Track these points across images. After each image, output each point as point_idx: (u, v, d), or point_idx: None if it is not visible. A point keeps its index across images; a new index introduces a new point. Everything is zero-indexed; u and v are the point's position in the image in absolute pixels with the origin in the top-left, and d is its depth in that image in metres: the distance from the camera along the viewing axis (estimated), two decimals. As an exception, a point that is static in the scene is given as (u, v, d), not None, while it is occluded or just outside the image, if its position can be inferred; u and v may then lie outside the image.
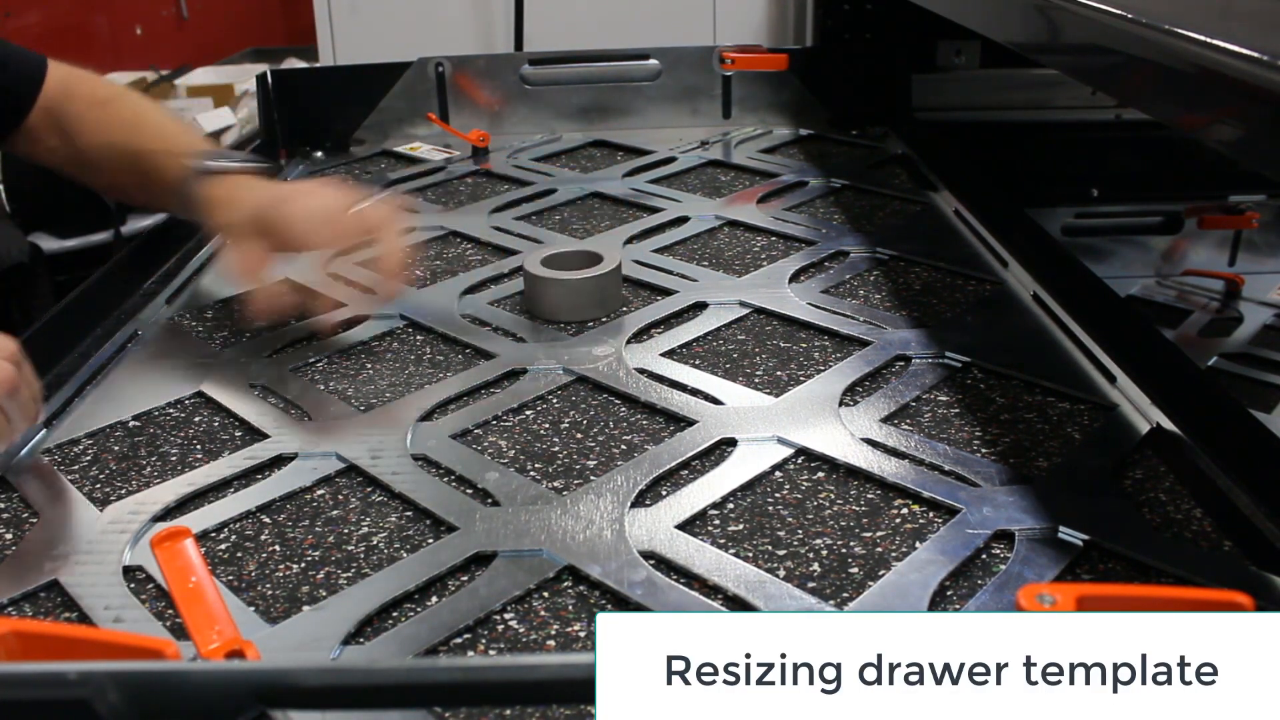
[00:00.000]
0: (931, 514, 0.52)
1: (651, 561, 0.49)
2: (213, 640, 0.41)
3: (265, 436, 0.61)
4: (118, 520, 0.53)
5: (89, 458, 0.60)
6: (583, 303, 0.75)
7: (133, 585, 0.49)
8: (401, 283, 0.77)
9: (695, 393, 0.64)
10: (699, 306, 0.77)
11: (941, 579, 0.47)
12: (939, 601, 0.46)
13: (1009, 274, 0.80)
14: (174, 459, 0.59)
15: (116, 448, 0.61)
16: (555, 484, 0.56)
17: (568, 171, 1.10)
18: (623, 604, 0.47)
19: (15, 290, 1.18)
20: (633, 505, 0.53)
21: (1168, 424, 0.58)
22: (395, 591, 0.48)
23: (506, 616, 0.46)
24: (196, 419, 0.64)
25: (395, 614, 0.47)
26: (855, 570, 0.48)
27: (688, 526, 0.52)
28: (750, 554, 0.50)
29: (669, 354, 0.69)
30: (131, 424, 0.64)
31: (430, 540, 0.51)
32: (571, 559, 0.49)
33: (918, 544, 0.50)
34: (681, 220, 0.94)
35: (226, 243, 0.79)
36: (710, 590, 0.47)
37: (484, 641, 0.45)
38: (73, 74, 0.87)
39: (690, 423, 0.60)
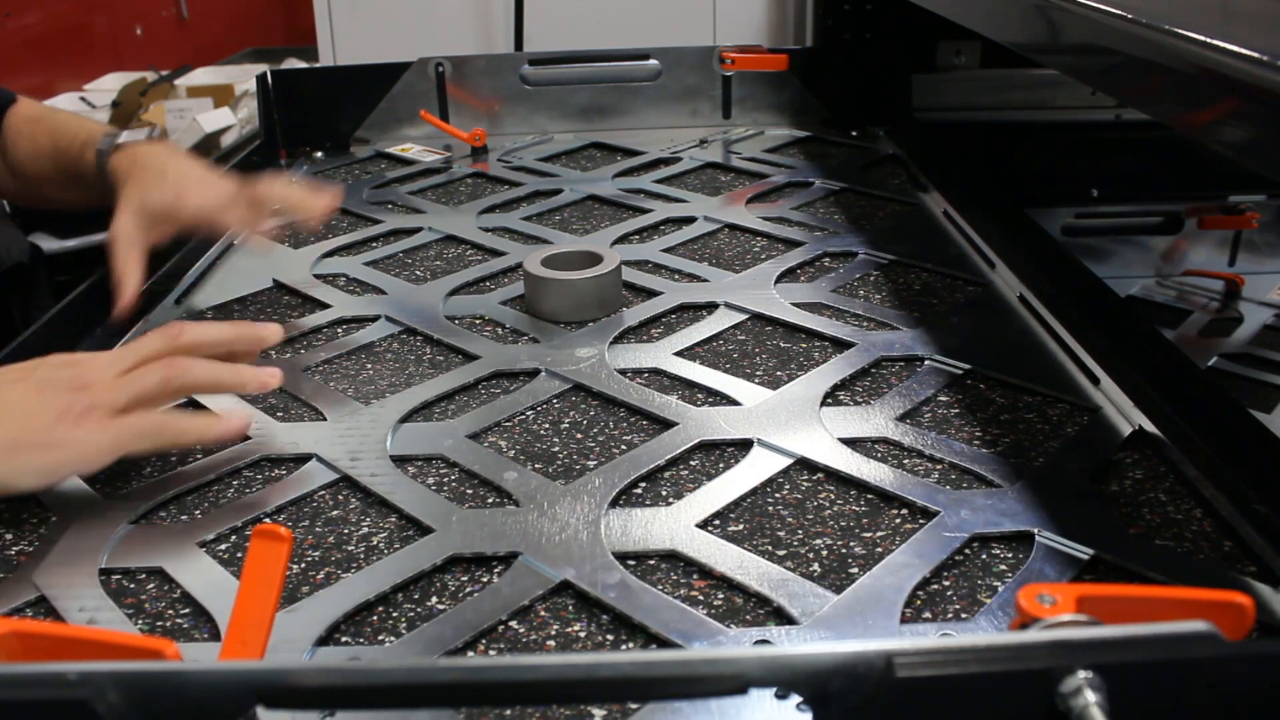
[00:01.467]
0: (922, 518, 0.52)
1: (680, 563, 0.49)
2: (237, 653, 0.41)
3: (249, 438, 0.61)
4: (95, 523, 0.53)
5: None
6: (583, 303, 0.75)
7: (113, 587, 0.49)
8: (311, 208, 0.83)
9: (712, 393, 0.65)
10: (694, 307, 0.77)
11: (916, 582, 0.47)
12: (912, 605, 0.46)
13: (996, 275, 0.81)
14: (174, 458, 0.60)
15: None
16: (559, 481, 0.56)
17: (567, 171, 1.10)
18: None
19: (15, 290, 1.18)
20: (656, 505, 0.54)
21: (1150, 426, 0.58)
22: (370, 593, 0.48)
23: (503, 618, 0.46)
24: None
25: (371, 615, 0.47)
26: (855, 570, 0.48)
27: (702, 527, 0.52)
28: (752, 553, 0.50)
29: (664, 354, 0.69)
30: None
31: (405, 544, 0.51)
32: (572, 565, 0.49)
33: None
34: (682, 220, 0.95)
35: (115, 220, 0.79)
36: (715, 586, 0.48)
37: (483, 642, 0.45)
38: (24, 103, 0.93)
39: (671, 425, 0.60)
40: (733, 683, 0.27)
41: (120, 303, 0.75)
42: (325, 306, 0.79)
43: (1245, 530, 0.50)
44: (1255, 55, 0.41)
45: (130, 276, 0.76)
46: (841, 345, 0.70)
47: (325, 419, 0.63)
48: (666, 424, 0.61)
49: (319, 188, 0.89)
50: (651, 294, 0.78)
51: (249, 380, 0.59)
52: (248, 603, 0.38)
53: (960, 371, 0.66)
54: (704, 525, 0.52)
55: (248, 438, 0.60)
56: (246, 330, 0.62)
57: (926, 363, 0.67)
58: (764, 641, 0.44)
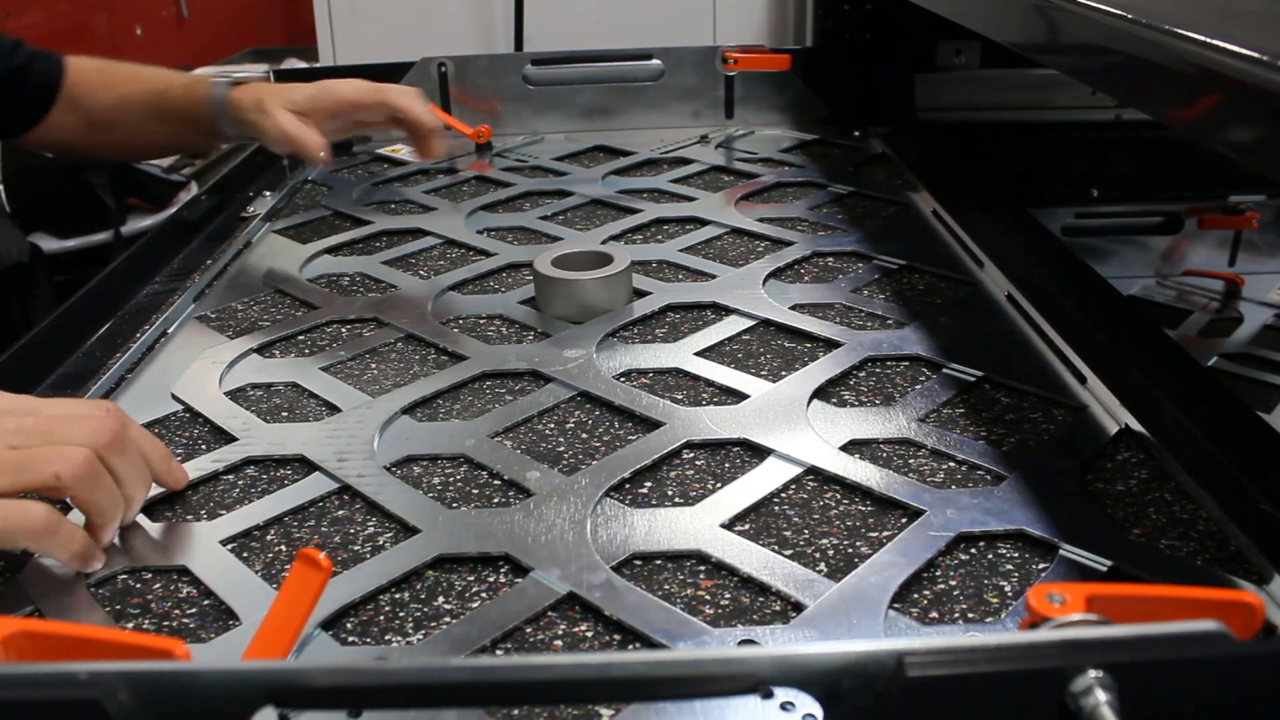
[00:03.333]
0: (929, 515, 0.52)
1: (703, 565, 0.49)
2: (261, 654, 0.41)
3: (233, 439, 0.61)
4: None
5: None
6: (593, 303, 0.75)
7: (118, 587, 0.49)
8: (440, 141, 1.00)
9: (728, 391, 0.65)
10: (697, 307, 0.77)
11: (901, 581, 0.47)
12: (897, 604, 0.46)
13: (984, 274, 0.81)
14: (180, 457, 0.60)
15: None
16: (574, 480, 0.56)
17: (570, 171, 1.10)
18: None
19: (15, 290, 1.18)
20: (675, 505, 0.54)
21: (1135, 425, 0.58)
22: (369, 589, 0.48)
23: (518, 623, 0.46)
24: (205, 419, 0.64)
25: (357, 615, 0.47)
26: (837, 570, 0.48)
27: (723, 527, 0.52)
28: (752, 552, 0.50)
29: (683, 354, 0.70)
30: (148, 423, 0.64)
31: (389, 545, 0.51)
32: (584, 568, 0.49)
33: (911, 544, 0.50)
34: (685, 221, 0.95)
35: (265, 119, 0.93)
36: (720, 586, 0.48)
37: (486, 642, 0.45)
38: (72, 58, 0.98)
39: (659, 424, 0.61)
40: (745, 682, 0.27)
41: (321, 155, 0.93)
42: (318, 307, 0.79)
43: (1233, 533, 0.50)
44: (1255, 55, 0.41)
45: (312, 134, 0.93)
46: (831, 344, 0.70)
47: (326, 419, 0.63)
48: (656, 424, 0.61)
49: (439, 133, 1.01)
50: (653, 294, 0.79)
51: (103, 537, 0.50)
52: (280, 612, 0.39)
53: (949, 371, 0.66)
54: (718, 525, 0.52)
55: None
56: (166, 463, 0.55)
57: (915, 362, 0.68)
58: (749, 641, 0.44)
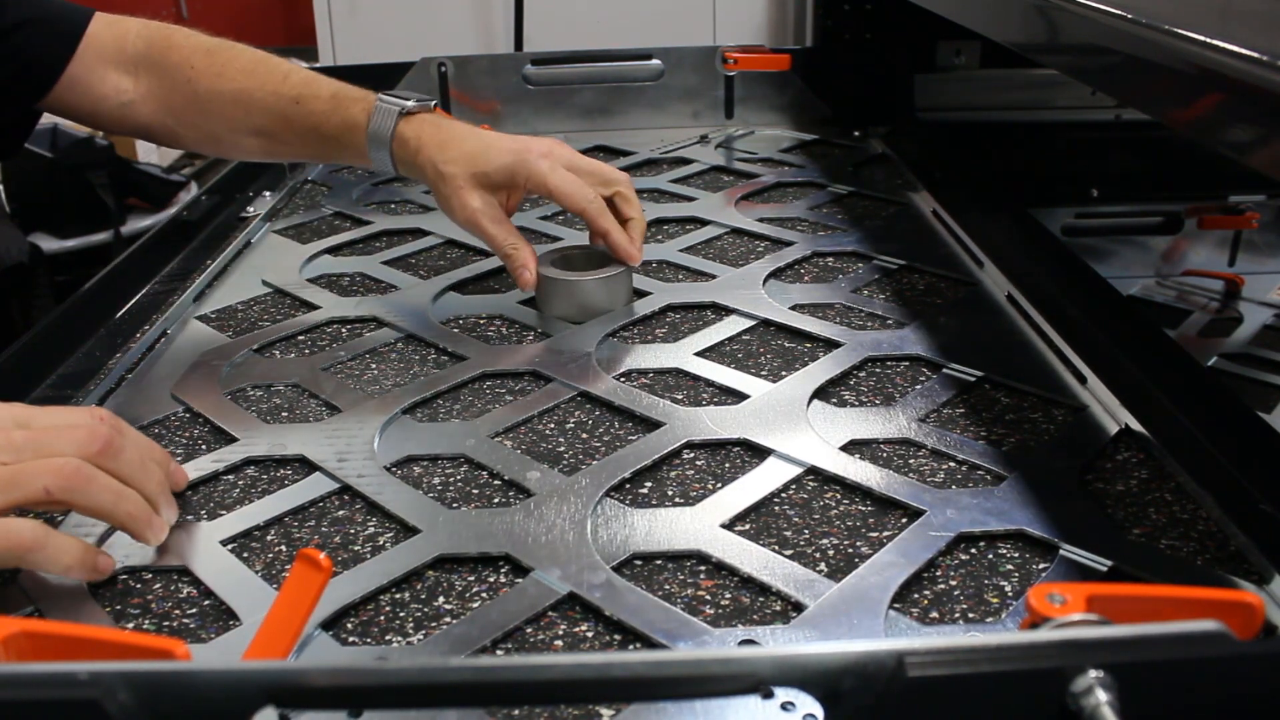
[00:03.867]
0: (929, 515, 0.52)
1: (703, 565, 0.49)
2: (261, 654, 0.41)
3: (234, 439, 0.61)
4: (84, 523, 0.53)
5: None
6: (594, 303, 0.75)
7: (119, 587, 0.49)
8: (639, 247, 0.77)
9: (728, 391, 0.65)
10: (692, 308, 0.77)
11: (901, 581, 0.47)
12: (897, 604, 0.46)
13: (984, 274, 0.81)
14: (180, 457, 0.60)
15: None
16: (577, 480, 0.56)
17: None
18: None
19: (15, 290, 1.18)
20: (675, 505, 0.54)
21: (1136, 425, 0.58)
22: (369, 589, 0.48)
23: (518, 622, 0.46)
24: (205, 419, 0.64)
25: (357, 615, 0.47)
26: (837, 570, 0.48)
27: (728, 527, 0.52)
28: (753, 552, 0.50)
29: (683, 354, 0.70)
30: (148, 424, 0.64)
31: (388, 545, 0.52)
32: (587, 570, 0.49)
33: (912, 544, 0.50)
34: (685, 221, 0.95)
35: (448, 189, 0.75)
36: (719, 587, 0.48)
37: (486, 642, 0.45)
38: (170, 27, 0.84)
39: (659, 424, 0.61)
40: (745, 682, 0.27)
41: (525, 280, 0.74)
42: (318, 307, 0.79)
43: (1233, 533, 0.50)
44: (1255, 55, 0.41)
45: (522, 249, 0.75)
46: (831, 344, 0.70)
47: (326, 419, 0.63)
48: (656, 424, 0.61)
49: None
50: (653, 294, 0.78)
51: (142, 526, 0.50)
52: (280, 612, 0.39)
53: (949, 371, 0.66)
54: (718, 526, 0.52)
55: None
56: (165, 465, 0.54)
57: (915, 362, 0.68)
58: (749, 641, 0.44)
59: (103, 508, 0.48)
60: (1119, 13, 0.53)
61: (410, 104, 0.77)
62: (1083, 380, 0.64)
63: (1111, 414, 0.60)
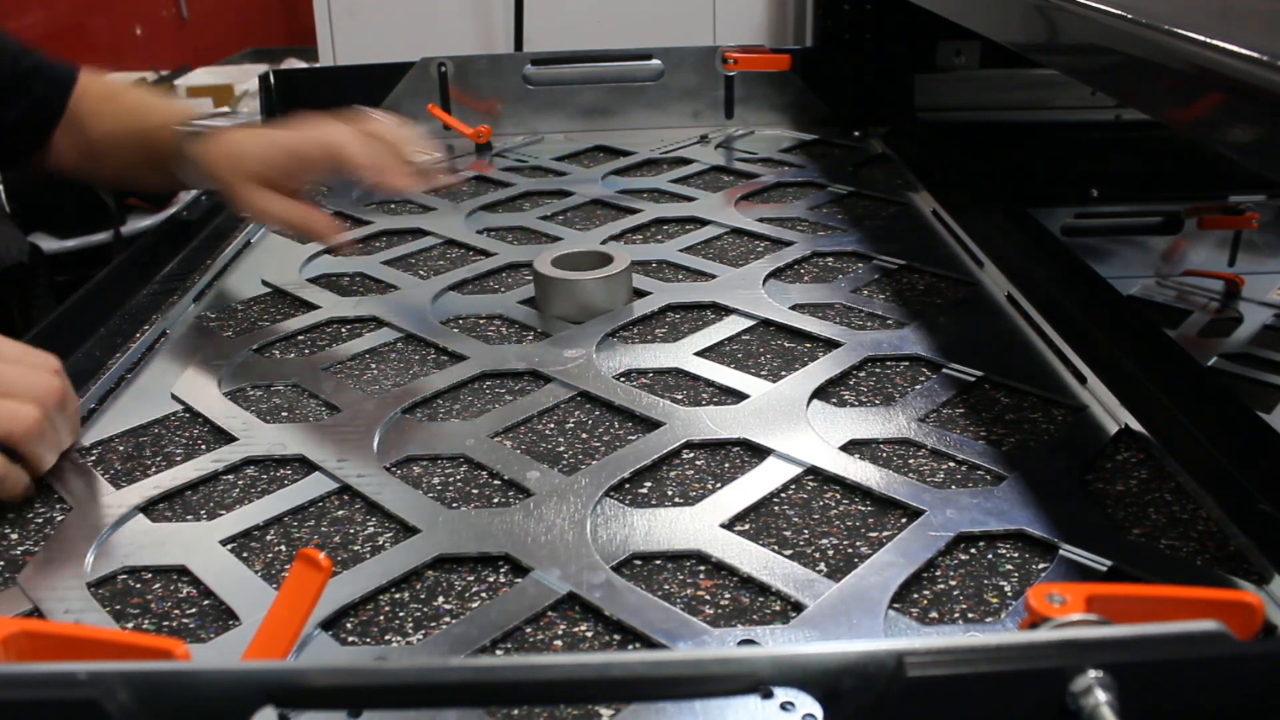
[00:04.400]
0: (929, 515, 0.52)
1: (703, 565, 0.49)
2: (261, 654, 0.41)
3: (233, 439, 0.61)
4: (82, 523, 0.53)
5: (94, 458, 0.60)
6: (593, 303, 0.75)
7: (118, 587, 0.49)
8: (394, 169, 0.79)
9: (728, 391, 0.65)
10: (692, 308, 0.77)
11: (901, 581, 0.47)
12: (897, 604, 0.46)
13: (984, 274, 0.81)
14: (180, 458, 0.60)
15: (121, 448, 0.61)
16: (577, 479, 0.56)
17: (570, 171, 1.10)
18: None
19: (15, 290, 1.18)
20: (674, 505, 0.54)
21: (1136, 425, 0.58)
22: (369, 589, 0.48)
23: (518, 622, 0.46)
24: (205, 419, 0.64)
25: (357, 615, 0.47)
26: (837, 570, 0.48)
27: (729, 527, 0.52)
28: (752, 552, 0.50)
29: (683, 354, 0.70)
30: (147, 423, 0.64)
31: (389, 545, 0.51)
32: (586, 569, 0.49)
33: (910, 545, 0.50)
34: (685, 221, 0.95)
35: (236, 193, 0.80)
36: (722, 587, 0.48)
37: (486, 642, 0.45)
38: (86, 75, 0.91)
39: (659, 424, 0.61)
40: (745, 682, 0.27)
41: (330, 234, 0.81)
42: (318, 307, 0.79)
43: (1234, 533, 0.50)
44: (1255, 55, 0.41)
45: (296, 213, 0.79)
46: (831, 344, 0.70)
47: (326, 419, 0.63)
48: (656, 424, 0.61)
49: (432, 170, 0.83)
50: (653, 294, 0.78)
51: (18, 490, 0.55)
52: (280, 612, 0.39)
53: (949, 371, 0.66)
54: (718, 526, 0.52)
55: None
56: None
57: (915, 362, 0.68)
58: (749, 641, 0.44)
59: (41, 460, 0.55)
60: (1119, 13, 0.53)
61: (206, 124, 0.85)
62: (1083, 380, 0.64)
63: (1111, 414, 0.60)
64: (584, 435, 0.61)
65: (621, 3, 1.45)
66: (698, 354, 0.69)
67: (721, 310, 0.76)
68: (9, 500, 0.54)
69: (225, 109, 0.91)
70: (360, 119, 0.81)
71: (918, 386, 0.65)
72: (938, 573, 0.48)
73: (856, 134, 1.19)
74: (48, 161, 0.91)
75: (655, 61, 1.22)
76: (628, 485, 0.55)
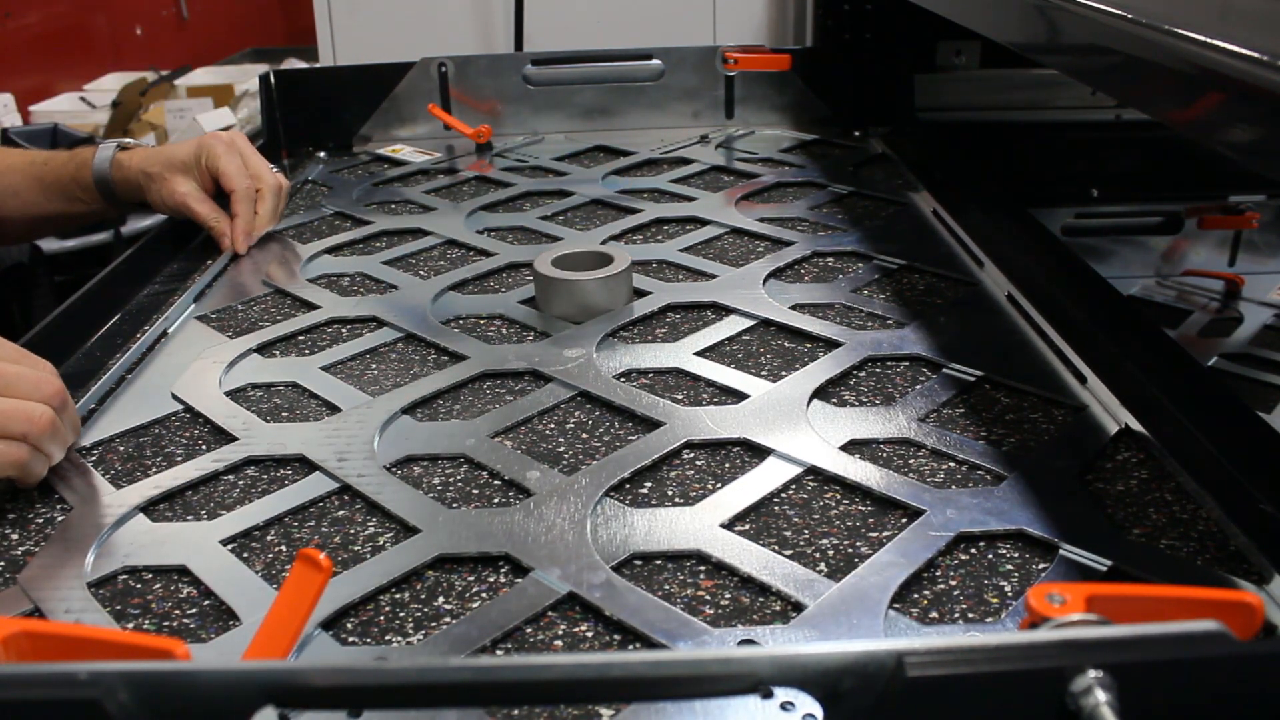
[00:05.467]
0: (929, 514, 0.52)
1: (703, 565, 0.49)
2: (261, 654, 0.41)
3: (234, 439, 0.61)
4: (82, 523, 0.53)
5: (94, 458, 0.60)
6: (594, 303, 0.75)
7: (119, 587, 0.49)
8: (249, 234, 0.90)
9: (728, 391, 0.65)
10: (692, 308, 0.77)
11: (901, 581, 0.47)
12: (897, 604, 0.46)
13: (984, 274, 0.81)
14: (180, 458, 0.60)
15: (122, 448, 0.61)
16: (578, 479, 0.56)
17: (570, 171, 1.10)
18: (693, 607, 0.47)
19: (15, 290, 1.19)
20: (674, 505, 0.54)
21: (1136, 424, 0.58)
22: (369, 589, 0.48)
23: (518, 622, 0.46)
24: (205, 419, 0.64)
25: (357, 615, 0.47)
26: (837, 570, 0.48)
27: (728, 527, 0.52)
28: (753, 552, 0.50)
29: (683, 354, 0.70)
30: (147, 423, 0.64)
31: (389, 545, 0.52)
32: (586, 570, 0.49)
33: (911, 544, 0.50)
34: (685, 221, 0.95)
35: (155, 184, 0.90)
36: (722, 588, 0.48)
37: (486, 642, 0.45)
38: None
39: (659, 424, 0.61)
40: (745, 682, 0.27)
41: (238, 245, 0.88)
42: (318, 307, 0.79)
43: (1234, 533, 0.50)
44: (1255, 55, 0.41)
45: (223, 220, 0.89)
46: (831, 344, 0.70)
47: (326, 419, 0.63)
48: (656, 424, 0.61)
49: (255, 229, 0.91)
50: (653, 294, 0.78)
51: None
52: (281, 612, 0.39)
53: (949, 371, 0.66)
54: (718, 525, 0.52)
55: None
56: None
57: (915, 362, 0.68)
58: (749, 641, 0.44)
59: (51, 458, 0.57)
60: (1119, 13, 0.53)
61: (130, 141, 0.95)
62: (1083, 380, 0.64)
63: (1112, 414, 0.60)
64: (584, 435, 0.61)
65: (621, 3, 1.45)
66: (698, 354, 0.69)
67: (721, 310, 0.76)
68: (25, 484, 0.56)
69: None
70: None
71: (918, 386, 0.65)
72: (938, 573, 0.48)
73: (856, 134, 1.19)
74: None
75: (655, 61, 1.22)
76: (628, 485, 0.56)
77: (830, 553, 0.50)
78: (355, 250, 0.91)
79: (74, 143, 1.89)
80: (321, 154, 1.18)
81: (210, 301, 0.81)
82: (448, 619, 0.46)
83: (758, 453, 0.58)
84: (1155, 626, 0.27)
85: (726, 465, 0.57)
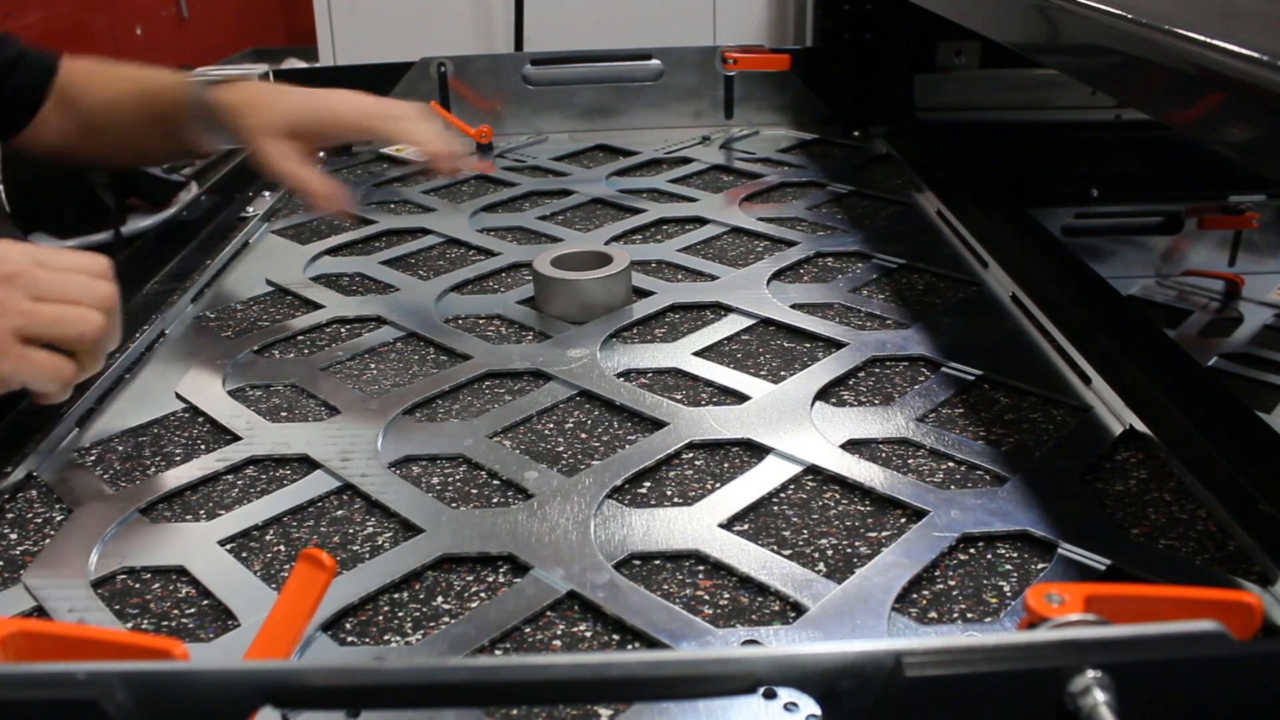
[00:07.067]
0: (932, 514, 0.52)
1: (701, 565, 0.49)
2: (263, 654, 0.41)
3: (237, 438, 0.61)
4: (86, 522, 0.53)
5: (94, 458, 0.60)
6: (594, 303, 0.75)
7: (118, 587, 0.49)
8: (453, 155, 0.82)
9: (728, 391, 0.65)
10: (699, 307, 0.77)
11: (905, 582, 0.47)
12: (918, 605, 0.46)
13: (989, 275, 0.80)
14: (179, 457, 0.60)
15: (121, 448, 0.61)
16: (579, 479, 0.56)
17: (571, 171, 1.10)
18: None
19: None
20: (673, 505, 0.54)
21: (1140, 425, 0.58)
22: (370, 589, 0.48)
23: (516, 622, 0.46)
24: (205, 419, 0.64)
25: (377, 615, 0.47)
26: (840, 570, 0.48)
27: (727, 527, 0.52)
28: (754, 552, 0.50)
29: (681, 354, 0.69)
30: (146, 423, 0.64)
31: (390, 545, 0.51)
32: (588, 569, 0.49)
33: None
34: (687, 221, 0.95)
35: (259, 144, 0.81)
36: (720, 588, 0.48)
37: (485, 641, 0.45)
38: (69, 58, 0.91)
39: (662, 424, 0.61)
40: (743, 682, 0.27)
41: (336, 204, 0.80)
42: (322, 306, 0.79)
43: (1238, 534, 0.50)
44: (1255, 55, 0.41)
45: (315, 179, 0.79)
46: (834, 345, 0.70)
47: (328, 419, 0.63)
48: (659, 424, 0.61)
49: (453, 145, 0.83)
50: (654, 294, 0.78)
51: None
52: (283, 612, 0.39)
53: (952, 372, 0.66)
54: (716, 525, 0.52)
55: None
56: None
57: (918, 363, 0.68)
58: (752, 642, 0.44)
59: (95, 361, 0.56)
60: (1119, 13, 0.53)
61: (230, 73, 0.86)
62: (1087, 381, 0.64)
63: (1116, 415, 0.60)
64: (583, 435, 0.61)
65: (621, 3, 1.45)
66: (696, 354, 0.69)
67: (723, 310, 0.76)
68: (57, 391, 0.55)
69: (241, 68, 0.91)
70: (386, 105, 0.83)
71: (917, 386, 0.65)
72: (937, 573, 0.48)
73: (856, 134, 1.18)
74: (39, 143, 0.90)
75: (655, 61, 1.22)
76: (626, 485, 0.55)
77: (829, 553, 0.50)
78: (355, 250, 0.91)
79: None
80: (322, 154, 1.18)
81: (210, 301, 0.81)
82: (446, 619, 0.46)
83: (757, 452, 0.58)
84: (1154, 626, 0.27)
85: (725, 465, 0.57)
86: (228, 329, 0.76)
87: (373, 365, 0.70)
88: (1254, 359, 1.03)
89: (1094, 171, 1.19)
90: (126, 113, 0.88)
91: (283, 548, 0.52)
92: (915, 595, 0.47)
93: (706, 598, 0.47)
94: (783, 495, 0.54)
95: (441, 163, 0.82)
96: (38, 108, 0.88)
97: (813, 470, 0.56)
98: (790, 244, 0.87)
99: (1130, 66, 0.54)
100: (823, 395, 0.64)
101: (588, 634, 0.45)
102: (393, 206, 1.02)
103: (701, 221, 0.94)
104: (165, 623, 0.47)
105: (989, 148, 1.24)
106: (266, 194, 1.04)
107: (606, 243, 0.88)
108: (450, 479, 0.57)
